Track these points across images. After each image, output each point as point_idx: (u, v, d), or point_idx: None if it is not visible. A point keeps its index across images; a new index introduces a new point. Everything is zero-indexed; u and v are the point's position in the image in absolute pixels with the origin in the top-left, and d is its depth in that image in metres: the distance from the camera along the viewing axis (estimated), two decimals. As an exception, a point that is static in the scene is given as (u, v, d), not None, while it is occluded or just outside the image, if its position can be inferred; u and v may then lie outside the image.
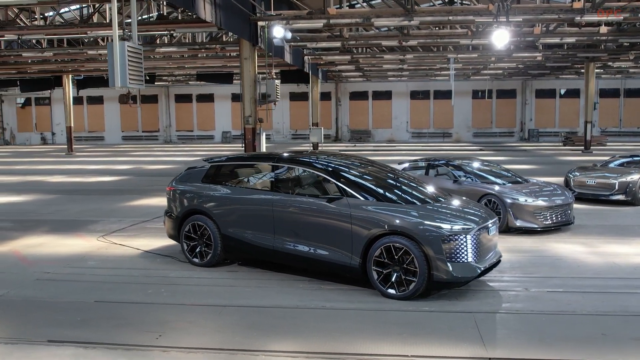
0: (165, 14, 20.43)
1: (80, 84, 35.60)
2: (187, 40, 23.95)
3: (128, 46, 10.10)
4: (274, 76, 19.46)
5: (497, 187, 10.77)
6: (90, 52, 24.20)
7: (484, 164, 12.35)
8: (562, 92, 42.97)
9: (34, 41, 23.92)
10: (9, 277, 8.02)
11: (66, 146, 36.27)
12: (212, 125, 47.69)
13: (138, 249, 9.53)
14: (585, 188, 13.77)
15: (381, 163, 8.90)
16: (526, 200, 10.30)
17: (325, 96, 45.13)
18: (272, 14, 17.83)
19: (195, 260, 8.42)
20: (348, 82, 44.62)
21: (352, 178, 7.51)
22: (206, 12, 13.87)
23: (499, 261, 7.44)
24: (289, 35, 18.12)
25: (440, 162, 12.24)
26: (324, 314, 6.41)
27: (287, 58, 23.71)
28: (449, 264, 6.55)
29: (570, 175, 14.22)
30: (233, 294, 7.21)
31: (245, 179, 8.44)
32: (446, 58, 28.07)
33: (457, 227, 6.67)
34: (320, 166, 7.72)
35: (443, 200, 7.68)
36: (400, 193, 7.63)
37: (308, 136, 44.76)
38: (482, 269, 6.83)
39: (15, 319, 6.43)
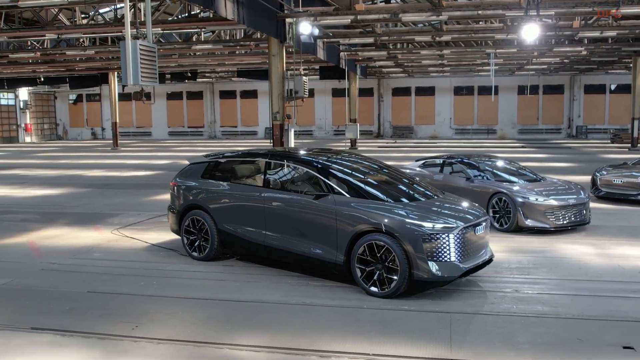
0: (196, 12, 20.78)
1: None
2: (226, 38, 24.30)
3: (140, 44, 10.37)
4: (302, 73, 19.52)
5: (508, 186, 10.52)
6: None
7: (501, 162, 12.09)
8: (612, 87, 41.41)
9: (81, 40, 24.77)
10: (17, 266, 8.39)
11: (117, 141, 37.34)
12: (256, 121, 48.21)
13: (146, 242, 9.79)
14: (613, 187, 13.28)
15: (378, 161, 8.85)
16: (537, 200, 10.02)
17: (367, 92, 45.01)
18: (300, 10, 17.92)
19: (194, 254, 8.59)
20: (390, 78, 44.31)
21: (340, 175, 7.50)
22: (227, 10, 14.06)
23: (490, 260, 7.30)
24: (316, 31, 18.18)
25: (455, 159, 12.04)
26: (301, 310, 6.44)
27: (320, 54, 23.77)
28: (429, 263, 6.47)
29: (598, 174, 13.74)
30: (221, 287, 7.33)
31: (241, 175, 8.55)
32: (485, 53, 27.50)
33: (439, 226, 6.58)
34: (309, 163, 7.75)
35: (434, 198, 7.58)
36: (389, 191, 7.58)
37: (372, 132, 44.89)
38: (467, 268, 6.71)
39: (9, 306, 6.73)
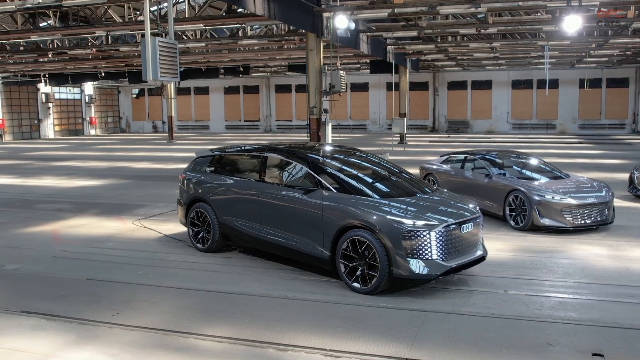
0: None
1: (181, 75, 37.61)
2: (272, 33, 24.54)
3: (159, 41, 10.66)
4: (339, 67, 19.50)
5: (524, 183, 10.20)
6: (179, 45, 25.50)
7: (525, 159, 11.73)
8: (684, 80, 39.08)
9: (136, 35, 25.60)
10: (32, 253, 8.87)
11: (172, 134, 38.47)
12: (310, 115, 48.36)
13: (160, 233, 10.11)
14: (651, 186, 12.63)
15: (378, 157, 8.78)
16: (553, 198, 9.67)
17: (422, 86, 44.41)
18: (337, 4, 17.89)
19: (199, 245, 8.82)
20: (446, 72, 43.48)
21: (330, 170, 7.51)
22: (256, 5, 14.22)
23: (482, 258, 7.15)
24: (353, 25, 18.06)
25: (476, 155, 11.77)
26: (279, 303, 6.52)
27: (364, 48, 23.64)
28: (409, 260, 6.40)
29: (636, 172, 13.09)
30: (212, 278, 7.50)
31: (240, 169, 8.69)
32: (539, 46, 26.54)
33: (420, 223, 6.49)
34: (302, 158, 7.80)
35: (426, 194, 7.48)
36: (378, 187, 7.54)
37: (427, 126, 44.39)
38: (450, 267, 6.59)
39: (10, 290, 7.15)
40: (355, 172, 7.83)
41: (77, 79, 38.58)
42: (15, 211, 12.49)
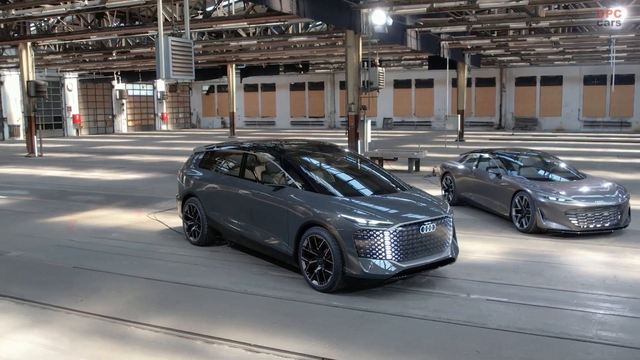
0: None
1: (243, 73, 38.59)
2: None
3: (172, 41, 11.03)
4: (378, 64, 19.35)
5: (530, 183, 9.79)
6: (232, 43, 26.16)
7: (541, 158, 11.26)
8: None
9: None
10: (40, 241, 9.46)
11: (238, 129, 39.57)
12: (374, 111, 48.08)
13: (167, 226, 10.48)
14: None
15: (359, 156, 8.73)
16: (557, 199, 9.24)
17: (488, 82, 43.22)
18: (375, 0, 17.78)
19: (191, 238, 9.10)
20: (513, 67, 42.04)
21: (298, 168, 7.54)
22: (282, 4, 14.38)
23: (449, 260, 6.97)
24: (390, 21, 17.87)
25: (490, 154, 11.39)
26: (234, 297, 6.65)
27: (412, 44, 23.34)
28: (360, 260, 6.35)
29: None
30: (187, 271, 7.73)
31: (226, 166, 8.87)
32: (603, 39, 25.20)
33: (373, 222, 6.42)
34: (276, 155, 7.87)
35: (395, 193, 7.39)
36: (345, 185, 7.54)
37: (470, 123, 43.27)
38: (405, 268, 6.47)
39: (1, 274, 7.67)
40: (324, 171, 7.83)
41: (146, 77, 40.28)
42: (49, 202, 13.31)
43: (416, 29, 22.90)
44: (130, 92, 46.49)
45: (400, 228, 6.46)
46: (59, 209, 12.28)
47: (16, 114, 37.16)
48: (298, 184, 7.24)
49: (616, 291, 6.75)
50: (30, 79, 24.22)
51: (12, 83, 37.25)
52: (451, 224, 7.09)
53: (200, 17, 20.25)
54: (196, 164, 9.32)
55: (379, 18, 17.48)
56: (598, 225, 9.26)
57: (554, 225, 9.26)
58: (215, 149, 9.27)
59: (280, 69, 37.75)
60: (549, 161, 11.14)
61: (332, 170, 7.95)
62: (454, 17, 21.47)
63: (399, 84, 46.71)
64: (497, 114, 43.50)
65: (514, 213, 9.90)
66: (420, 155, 18.09)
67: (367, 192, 7.37)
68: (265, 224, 7.56)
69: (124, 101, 45.91)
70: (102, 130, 44.64)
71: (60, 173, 18.97)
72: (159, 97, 49.07)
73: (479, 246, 8.86)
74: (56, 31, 23.83)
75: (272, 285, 7.06)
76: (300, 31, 25.01)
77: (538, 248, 8.72)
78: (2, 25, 22.77)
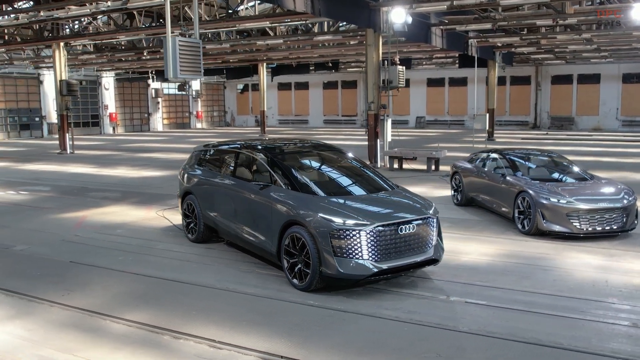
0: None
1: (274, 72, 38.85)
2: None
3: (180, 41, 11.23)
4: (398, 62, 19.21)
5: (531, 184, 9.59)
6: (259, 42, 26.36)
7: (548, 158, 11.02)
8: None
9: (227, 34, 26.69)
10: (47, 236, 9.76)
11: (272, 128, 39.87)
12: (407, 110, 47.88)
13: (172, 223, 10.67)
14: None
15: (346, 154, 8.65)
16: (558, 201, 9.03)
17: (523, 80, 42.40)
18: (394, -2, 17.66)
19: (189, 235, 9.26)
20: (549, 65, 41.10)
21: (284, 167, 7.57)
22: (296, 3, 14.43)
23: (432, 261, 6.91)
24: (410, 19, 17.71)
25: (497, 154, 11.20)
26: (214, 294, 6.75)
27: (437, 42, 23.08)
28: (335, 259, 6.35)
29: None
30: (177, 267, 7.87)
31: (220, 164, 8.97)
32: (634, 36, 24.42)
33: (350, 222, 6.41)
34: (264, 154, 7.93)
35: (378, 193, 7.38)
36: (328, 185, 7.56)
37: (505, 122, 42.53)
38: (382, 268, 6.44)
39: (1, 267, 7.96)
40: (311, 171, 7.87)
41: (180, 76, 40.87)
42: (67, 198, 13.71)
43: (441, 27, 22.64)
44: (165, 91, 47.33)
45: (378, 228, 6.43)
46: (74, 205, 12.64)
47: (54, 112, 38.28)
48: (282, 183, 7.29)
49: (602, 296, 6.57)
50: (63, 78, 24.91)
51: (51, 82, 38.35)
52: (434, 224, 7.02)
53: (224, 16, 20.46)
54: (194, 163, 9.47)
55: (398, 16, 17.34)
56: (601, 228, 9.02)
57: (554, 227, 9.06)
58: (210, 147, 9.39)
59: (311, 68, 37.84)
60: (558, 162, 10.89)
61: (320, 170, 7.98)
62: (479, 15, 21.16)
63: (432, 83, 46.27)
64: (532, 113, 42.61)
65: (516, 214, 9.73)
66: (440, 155, 17.90)
67: (351, 192, 7.37)
68: (253, 222, 7.64)
69: (159, 99, 46.79)
70: (138, 128, 45.60)
71: (86, 170, 19.49)
72: (194, 95, 49.81)
73: (474, 247, 8.74)
74: (90, 31, 24.47)
75: (255, 283, 7.13)
76: (326, 30, 25.06)
77: (535, 250, 8.55)
78: (36, 27, 23.48)
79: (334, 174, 8.00)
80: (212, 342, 5.38)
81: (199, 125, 51.17)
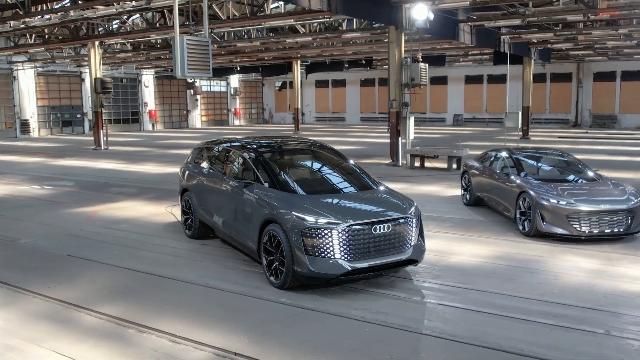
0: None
1: (308, 69, 38.99)
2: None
3: (187, 40, 11.42)
4: (420, 59, 19.00)
5: (532, 185, 9.36)
6: (288, 40, 26.49)
7: (556, 158, 10.74)
8: None
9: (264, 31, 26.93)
10: (54, 230, 10.10)
11: (308, 125, 40.05)
12: (444, 108, 47.30)
13: (176, 219, 10.87)
14: None
15: (335, 152, 8.61)
16: (558, 202, 8.79)
17: (564, 77, 41.29)
18: (415, -5, 17.48)
19: (187, 232, 9.43)
20: (592, 62, 39.87)
21: (266, 165, 7.61)
22: (311, 1, 14.44)
23: (409, 261, 6.85)
24: (432, 16, 17.48)
25: (503, 153, 10.97)
26: (192, 290, 6.86)
27: (465, 39, 22.72)
28: (307, 258, 6.37)
29: None
30: (167, 262, 8.02)
31: (213, 162, 9.07)
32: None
33: (322, 221, 6.41)
34: (249, 152, 8.00)
35: (360, 191, 7.36)
36: (309, 183, 7.59)
37: (544, 120, 41.54)
38: (354, 268, 6.40)
39: (1, 259, 8.28)
40: (292, 168, 7.89)
41: (217, 73, 41.54)
42: (86, 193, 14.13)
43: (469, 24, 22.26)
44: (204, 88, 48.10)
45: (350, 227, 6.41)
46: (90, 200, 13.02)
47: (95, 109, 39.45)
48: (264, 181, 7.35)
49: (583, 302, 6.37)
50: (98, 76, 25.61)
51: (92, 80, 39.57)
52: (414, 224, 6.93)
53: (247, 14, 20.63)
54: (192, 160, 9.63)
55: (420, 12, 17.15)
56: (604, 231, 8.73)
57: (554, 229, 8.82)
58: (207, 145, 9.53)
59: (345, 65, 37.80)
60: (568, 162, 10.58)
61: (304, 169, 8.01)
62: (507, 11, 20.71)
63: (470, 80, 45.55)
64: (573, 110, 41.45)
65: (518, 215, 9.52)
66: (461, 153, 17.64)
67: (332, 191, 7.37)
68: (237, 219, 7.73)
69: (197, 97, 47.57)
70: (177, 125, 46.50)
71: (113, 166, 20.03)
72: (232, 93, 50.46)
73: (468, 248, 8.60)
74: (127, 29, 25.11)
75: (235, 279, 7.22)
76: (355, 27, 24.99)
77: (530, 253, 8.35)
78: (71, 26, 24.22)
79: (318, 173, 8.02)
80: (172, 336, 5.48)
81: (237, 122, 51.82)
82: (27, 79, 36.66)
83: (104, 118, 26.73)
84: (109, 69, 39.65)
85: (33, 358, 5.08)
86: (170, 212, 11.56)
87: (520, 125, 28.22)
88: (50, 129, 38.35)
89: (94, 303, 6.40)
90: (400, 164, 19.05)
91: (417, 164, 18.63)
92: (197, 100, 47.87)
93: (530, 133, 32.29)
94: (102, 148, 26.04)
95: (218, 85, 50.07)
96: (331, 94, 52.30)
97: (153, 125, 44.24)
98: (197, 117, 48.29)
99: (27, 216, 11.35)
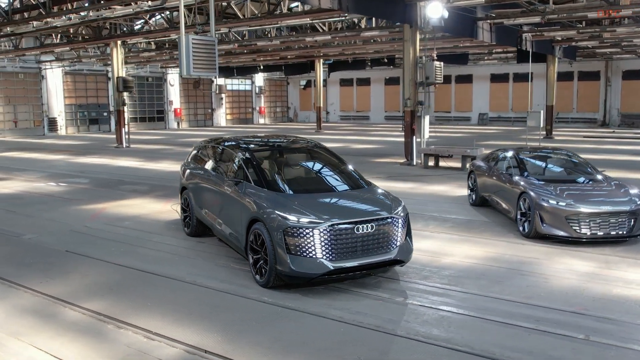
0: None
1: (330, 68, 38.96)
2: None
3: (193, 39, 11.50)
4: (435, 58, 18.82)
5: (533, 185, 9.20)
6: (307, 39, 26.51)
7: (570, 159, 10.51)
8: None
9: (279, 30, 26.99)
10: (59, 226, 10.31)
11: (332, 124, 40.04)
12: (469, 107, 46.77)
13: (179, 216, 10.98)
14: None
15: (328, 151, 8.58)
16: (558, 203, 8.63)
17: (591, 76, 40.42)
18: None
19: (185, 229, 9.53)
20: (620, 60, 38.96)
21: (255, 164, 7.64)
22: (321, 0, 14.42)
23: (395, 261, 6.81)
24: (446, 14, 17.29)
25: (507, 153, 10.81)
26: (179, 287, 6.93)
27: (485, 37, 22.44)
28: (289, 257, 6.38)
29: None
30: (161, 260, 8.12)
31: (208, 160, 9.14)
32: None
33: (304, 220, 6.42)
34: (241, 151, 8.03)
35: (348, 190, 7.34)
36: (297, 182, 7.62)
37: (571, 119, 40.77)
38: (336, 267, 6.39)
39: (1, 254, 8.49)
40: (282, 167, 7.90)
41: (241, 72, 41.84)
42: (98, 190, 14.38)
43: (488, 21, 21.96)
44: (229, 87, 48.47)
45: (332, 227, 6.40)
46: (101, 197, 13.25)
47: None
48: (252, 180, 7.38)
49: (569, 306, 6.24)
50: (120, 75, 26.02)
51: (119, 78, 40.22)
52: (400, 224, 6.88)
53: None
54: (192, 158, 9.72)
55: (435, 10, 16.98)
56: (605, 233, 8.54)
57: (553, 231, 8.66)
58: (204, 144, 9.61)
59: (367, 64, 37.67)
60: (574, 163, 10.37)
61: (293, 168, 8.01)
62: (526, 8, 20.38)
63: (496, 78, 44.94)
64: (601, 109, 40.56)
65: (518, 216, 9.37)
66: (475, 153, 17.41)
67: (320, 190, 7.36)
68: (228, 217, 7.79)
69: (222, 95, 47.95)
70: (202, 124, 46.96)
71: (131, 163, 20.34)
72: (257, 91, 50.74)
73: (463, 249, 8.50)
74: (150, 29, 25.47)
75: (224, 277, 7.27)
76: (373, 26, 24.87)
77: (526, 254, 8.22)
78: (94, 26, 24.65)
79: (307, 172, 8.02)
80: (148, 333, 5.56)
81: (261, 121, 52.08)
82: (54, 78, 37.45)
83: (128, 116, 27.13)
84: (135, 68, 40.25)
85: (10, 351, 5.20)
86: (175, 209, 11.68)
87: (542, 124, 27.75)
88: (77, 126, 39.11)
89: (81, 298, 6.52)
90: (415, 163, 18.92)
91: (431, 163, 18.48)
92: (222, 98, 48.26)
93: (555, 132, 31.75)
94: (124, 146, 26.45)
95: (243, 84, 50.41)
96: (355, 93, 52.16)
97: (178, 124, 44.76)
98: (222, 116, 48.69)
99: (38, 212, 11.61)
